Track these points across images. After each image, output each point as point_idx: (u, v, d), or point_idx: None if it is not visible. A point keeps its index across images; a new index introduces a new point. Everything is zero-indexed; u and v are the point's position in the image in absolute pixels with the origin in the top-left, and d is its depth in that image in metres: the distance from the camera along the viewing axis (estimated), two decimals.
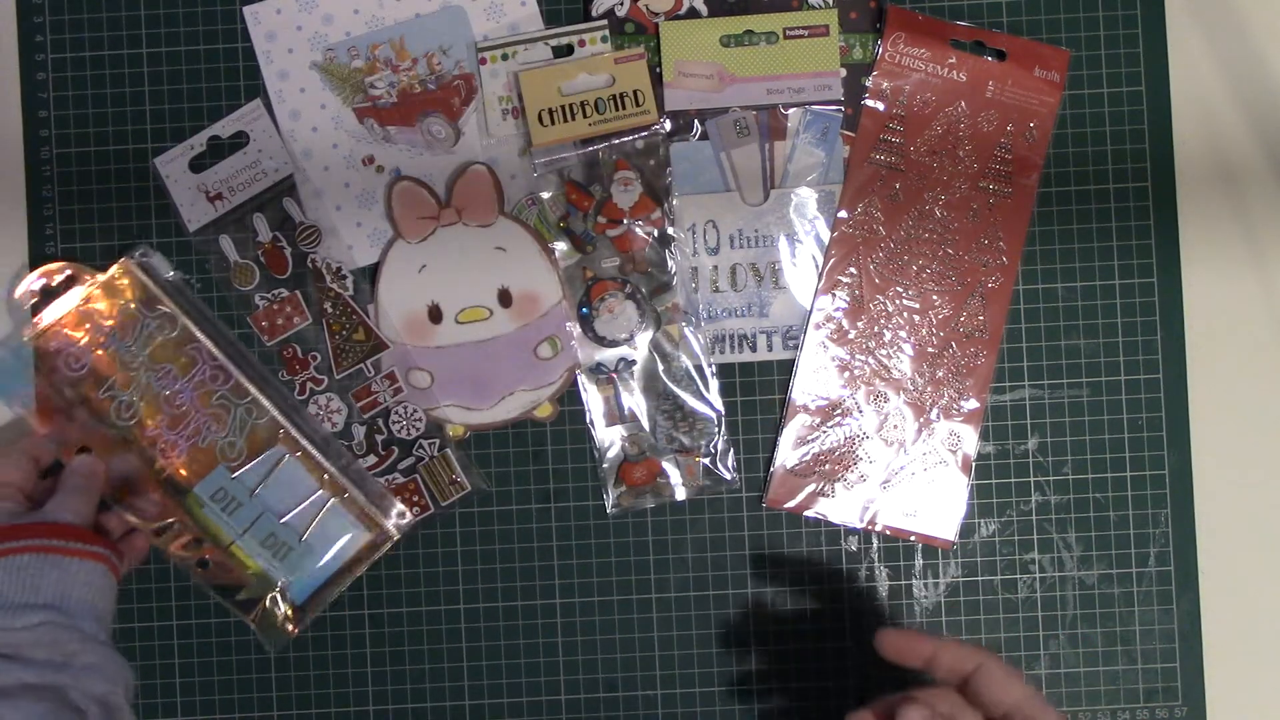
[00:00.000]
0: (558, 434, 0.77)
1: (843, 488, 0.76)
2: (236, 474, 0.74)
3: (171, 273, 0.75)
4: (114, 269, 0.74)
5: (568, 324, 0.76)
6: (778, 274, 0.77)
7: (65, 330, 0.74)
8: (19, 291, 0.74)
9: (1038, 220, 0.77)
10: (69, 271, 0.74)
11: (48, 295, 0.74)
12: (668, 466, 0.76)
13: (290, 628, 0.74)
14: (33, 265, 0.76)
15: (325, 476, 0.75)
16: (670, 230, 0.76)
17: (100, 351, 0.74)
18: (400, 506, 0.75)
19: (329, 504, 0.75)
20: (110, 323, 0.74)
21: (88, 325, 0.74)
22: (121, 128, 0.76)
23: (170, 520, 0.74)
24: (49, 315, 0.74)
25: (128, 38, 0.76)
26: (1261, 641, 0.77)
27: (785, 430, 0.76)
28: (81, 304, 0.74)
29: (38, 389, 0.73)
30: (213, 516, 0.74)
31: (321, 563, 0.75)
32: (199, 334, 0.74)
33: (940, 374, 0.76)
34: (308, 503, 0.74)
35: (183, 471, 0.74)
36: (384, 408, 0.75)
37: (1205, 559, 0.77)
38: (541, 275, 0.76)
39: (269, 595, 0.74)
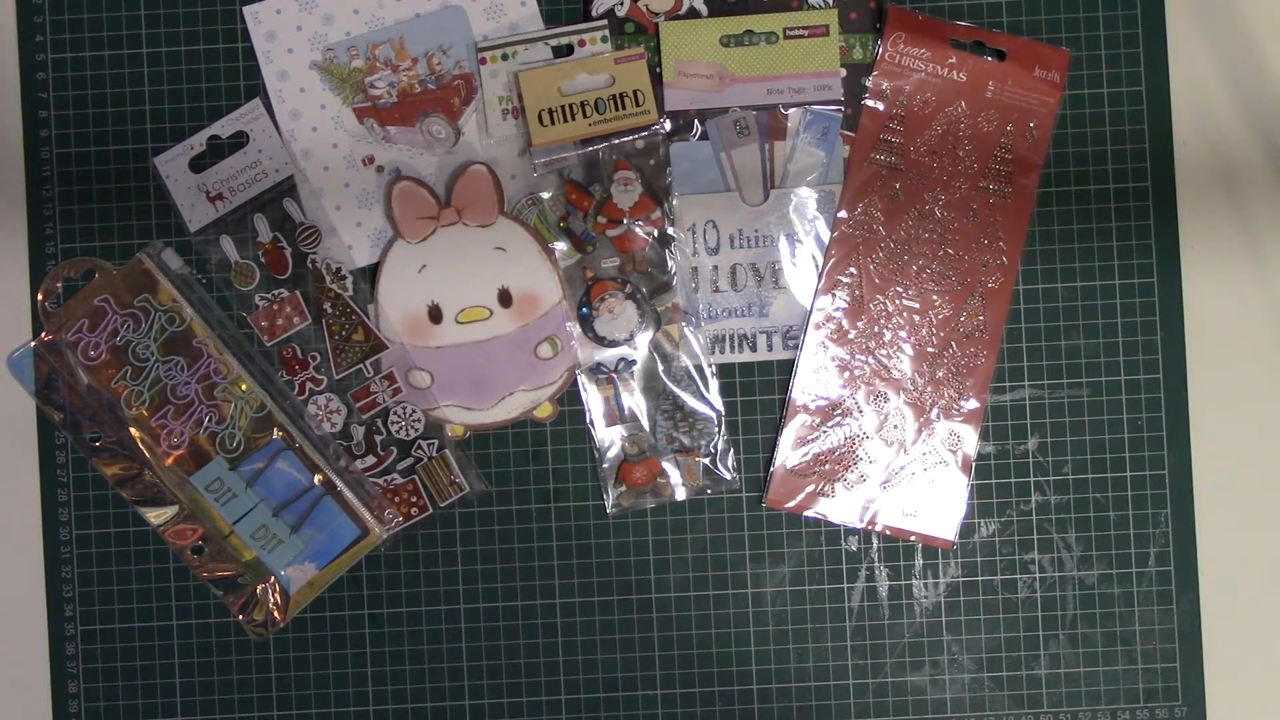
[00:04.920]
0: (558, 434, 0.77)
1: (843, 488, 0.76)
2: (234, 466, 0.74)
3: (182, 267, 0.76)
4: (131, 262, 0.75)
5: (568, 324, 0.76)
6: (778, 274, 0.77)
7: (85, 321, 0.74)
8: (43, 287, 0.75)
9: (1038, 220, 0.77)
10: (89, 265, 0.75)
11: (68, 288, 0.75)
12: (668, 466, 0.76)
13: (278, 618, 0.75)
14: (32, 265, 0.76)
15: (319, 473, 0.75)
16: (670, 230, 0.76)
17: (116, 342, 0.74)
18: (390, 508, 0.75)
19: (322, 499, 0.75)
20: (126, 314, 0.74)
21: (106, 317, 0.74)
22: (121, 128, 0.76)
23: (173, 506, 0.74)
24: (70, 308, 0.74)
25: (128, 38, 0.77)
26: (1261, 641, 0.77)
27: (785, 430, 0.76)
28: (100, 296, 0.74)
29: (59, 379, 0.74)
30: (210, 506, 0.75)
31: (312, 557, 0.75)
32: (205, 328, 0.75)
33: (940, 374, 0.76)
34: (301, 497, 0.75)
35: (185, 460, 0.74)
36: (383, 408, 0.75)
37: (1205, 559, 0.77)
38: (541, 275, 0.76)
39: (259, 586, 0.75)
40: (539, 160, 0.75)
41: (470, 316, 0.76)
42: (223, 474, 0.75)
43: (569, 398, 0.77)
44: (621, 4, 0.76)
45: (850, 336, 0.76)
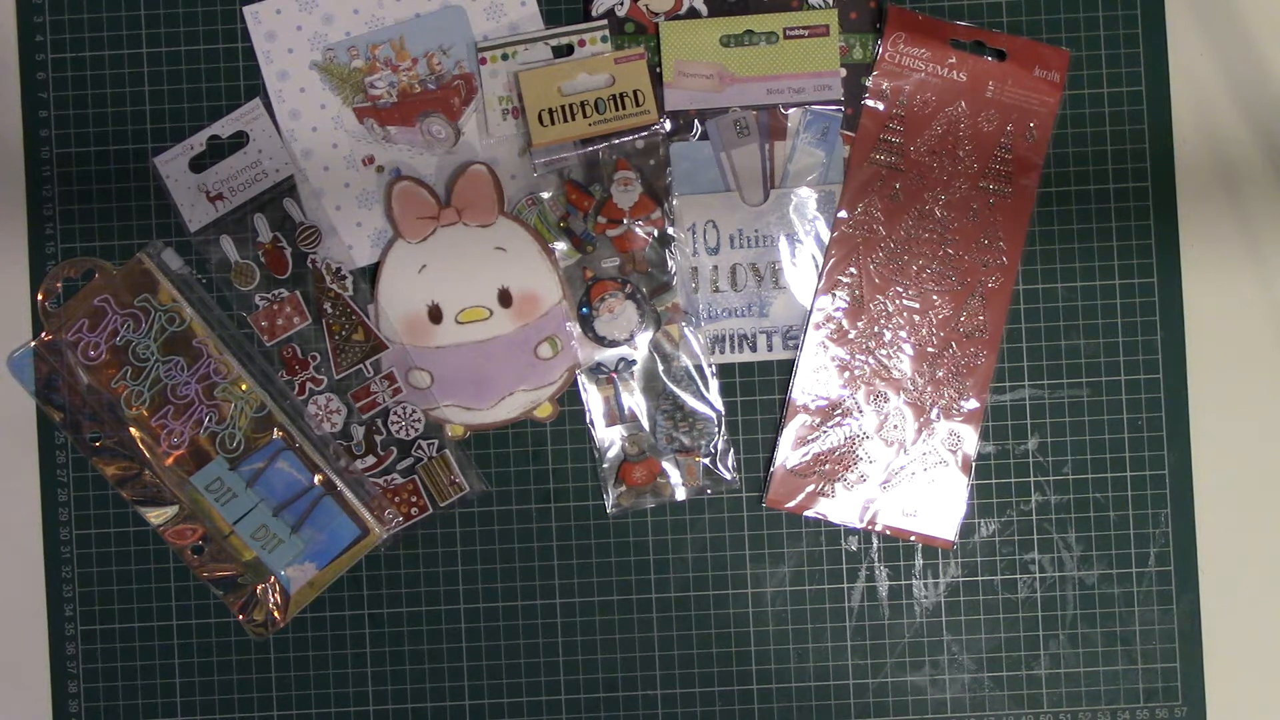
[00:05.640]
0: (558, 434, 0.77)
1: (843, 488, 0.76)
2: (234, 466, 0.74)
3: (182, 267, 0.76)
4: (131, 262, 0.75)
5: (568, 324, 0.76)
6: (778, 274, 0.77)
7: (85, 321, 0.74)
8: (43, 287, 0.75)
9: (1038, 220, 0.77)
10: (89, 265, 0.75)
11: (68, 288, 0.75)
12: (668, 466, 0.76)
13: (278, 618, 0.75)
14: (32, 265, 0.76)
15: (319, 473, 0.75)
16: (670, 230, 0.76)
17: (116, 342, 0.74)
18: (390, 508, 0.75)
19: (322, 499, 0.75)
20: (126, 314, 0.74)
21: (106, 317, 0.74)
22: (121, 128, 0.76)
23: (173, 506, 0.74)
24: (70, 308, 0.74)
25: (128, 38, 0.77)
26: (1261, 641, 0.77)
27: (785, 430, 0.76)
28: (100, 296, 0.74)
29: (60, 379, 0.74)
30: (210, 506, 0.75)
31: (312, 557, 0.75)
32: (205, 328, 0.75)
33: (940, 374, 0.76)
34: (301, 497, 0.75)
35: (185, 460, 0.74)
36: (383, 408, 0.75)
37: (1205, 559, 0.77)
38: (541, 275, 0.76)
39: (259, 586, 0.75)
40: (539, 160, 0.75)
41: (470, 316, 0.76)
42: (223, 474, 0.75)
43: (569, 398, 0.77)
44: (621, 4, 0.76)
45: (850, 336, 0.76)
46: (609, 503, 0.76)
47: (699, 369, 0.76)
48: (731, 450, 0.76)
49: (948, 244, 0.76)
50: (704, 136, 0.76)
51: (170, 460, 0.75)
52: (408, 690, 0.76)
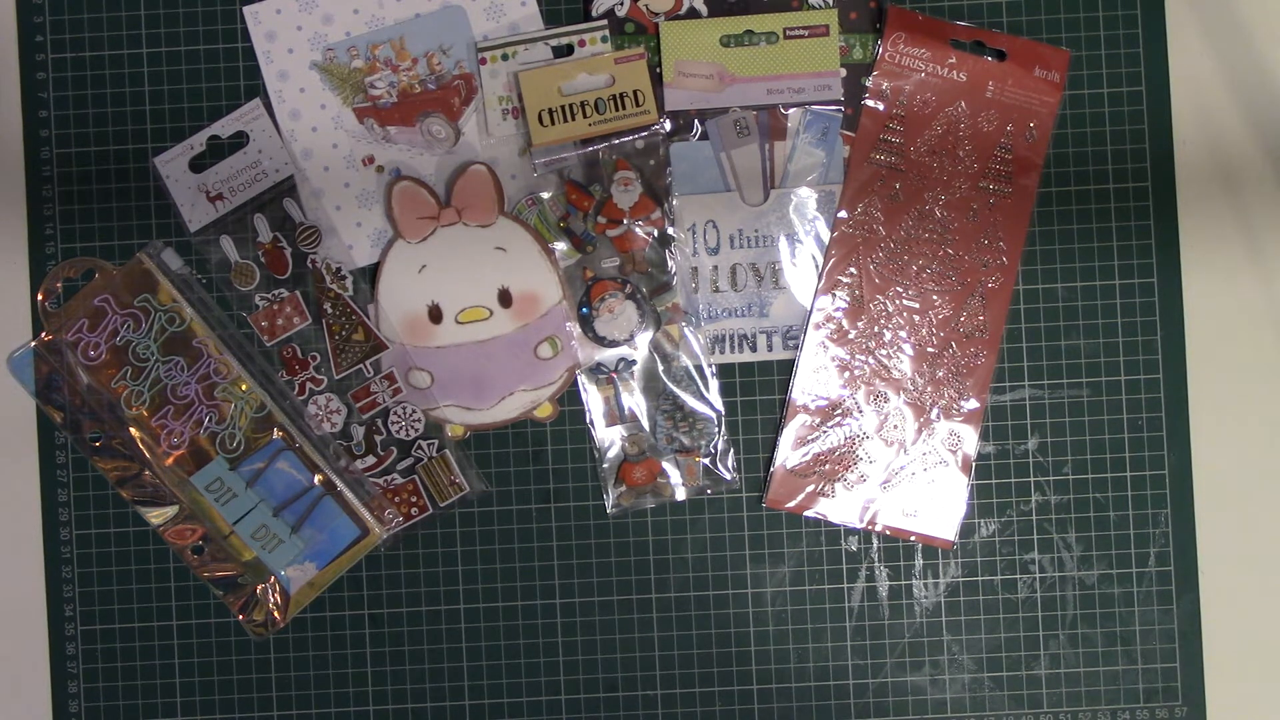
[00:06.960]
0: (558, 434, 0.77)
1: (843, 488, 0.76)
2: (234, 466, 0.74)
3: (182, 267, 0.76)
4: (131, 262, 0.75)
5: (568, 324, 0.76)
6: (778, 274, 0.77)
7: (85, 321, 0.74)
8: (43, 287, 0.75)
9: (1038, 220, 0.77)
10: (89, 265, 0.75)
11: (68, 288, 0.75)
12: (668, 466, 0.76)
13: (278, 618, 0.75)
14: (32, 265, 0.76)
15: (319, 473, 0.75)
16: (670, 230, 0.76)
17: (116, 342, 0.74)
18: (390, 508, 0.75)
19: (322, 499, 0.75)
20: (126, 314, 0.74)
21: (106, 317, 0.74)
22: (121, 128, 0.76)
23: (173, 506, 0.74)
24: (70, 308, 0.74)
25: (128, 38, 0.77)
26: (1261, 641, 0.77)
27: (785, 430, 0.76)
28: (100, 296, 0.74)
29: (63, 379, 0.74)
30: (210, 506, 0.75)
31: (312, 557, 0.75)
32: (205, 328, 0.75)
33: (940, 374, 0.76)
34: (301, 497, 0.75)
35: (185, 460, 0.74)
36: (383, 408, 0.75)
37: (1205, 559, 0.77)
38: (541, 275, 0.76)
39: (259, 586, 0.75)
40: (539, 160, 0.75)
41: (470, 316, 0.76)
42: (223, 474, 0.75)
43: (569, 398, 0.77)
44: (621, 4, 0.76)
45: (850, 336, 0.76)
46: (609, 503, 0.76)
47: (699, 369, 0.76)
48: (731, 450, 0.76)
49: (948, 244, 0.76)
50: (704, 136, 0.76)
51: (170, 460, 0.75)
52: (408, 690, 0.76)
